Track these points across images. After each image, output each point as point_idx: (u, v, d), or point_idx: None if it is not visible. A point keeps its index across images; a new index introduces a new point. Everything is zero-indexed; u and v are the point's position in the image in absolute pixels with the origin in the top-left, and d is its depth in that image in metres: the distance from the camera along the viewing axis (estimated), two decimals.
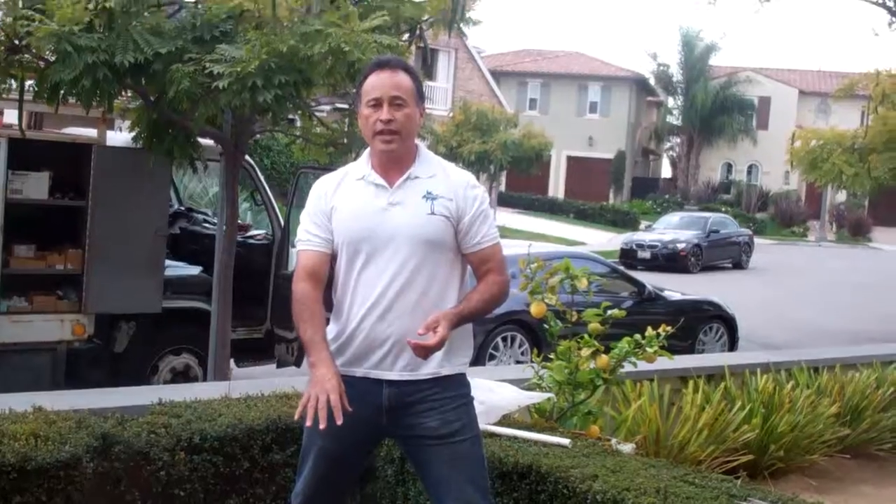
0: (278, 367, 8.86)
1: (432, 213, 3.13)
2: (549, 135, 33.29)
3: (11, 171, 7.36)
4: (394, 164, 3.18)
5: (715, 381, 6.46)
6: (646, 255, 25.86)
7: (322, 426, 2.96)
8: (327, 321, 3.23)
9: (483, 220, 3.20)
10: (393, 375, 3.16)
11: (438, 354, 3.13)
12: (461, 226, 3.16)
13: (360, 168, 3.24)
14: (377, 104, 3.13)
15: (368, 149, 3.25)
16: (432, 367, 3.16)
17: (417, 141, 3.26)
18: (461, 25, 7.63)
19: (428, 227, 3.13)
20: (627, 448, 4.50)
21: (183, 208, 10.43)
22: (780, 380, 6.62)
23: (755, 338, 13.64)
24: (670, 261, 25.47)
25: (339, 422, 2.96)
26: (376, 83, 3.15)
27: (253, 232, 9.70)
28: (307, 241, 3.24)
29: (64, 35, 6.06)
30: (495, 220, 3.28)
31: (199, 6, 6.78)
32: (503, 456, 3.96)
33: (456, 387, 3.21)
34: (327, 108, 8.70)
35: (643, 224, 35.59)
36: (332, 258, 3.25)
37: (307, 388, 3.02)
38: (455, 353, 3.21)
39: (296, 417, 3.09)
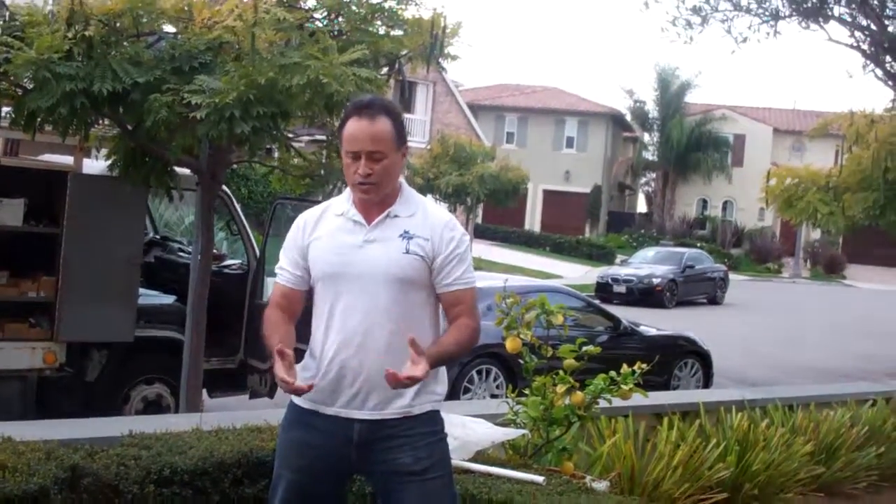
0: (251, 398, 8.80)
1: (407, 252, 3.12)
2: (525, 168, 33.38)
3: None
4: (374, 205, 3.18)
5: (690, 418, 6.45)
6: (621, 289, 25.95)
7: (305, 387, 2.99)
8: (303, 354, 3.22)
9: (458, 263, 3.18)
10: (363, 415, 3.14)
11: (410, 392, 3.12)
12: (435, 265, 3.15)
13: (341, 204, 3.24)
14: (356, 156, 3.12)
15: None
16: (403, 406, 3.14)
17: (402, 180, 3.25)
18: (440, 60, 7.65)
19: (401, 266, 3.12)
20: (602, 486, 4.49)
21: (158, 237, 10.38)
22: (755, 417, 6.61)
23: (730, 374, 13.68)
24: (646, 295, 25.57)
25: (292, 385, 2.97)
26: (355, 133, 3.11)
27: (228, 262, 9.65)
28: (280, 275, 3.28)
29: (42, 63, 6.04)
30: (471, 262, 3.25)
31: (179, 37, 6.77)
32: (476, 493, 3.93)
33: (428, 423, 3.20)
34: (305, 139, 8.70)
35: (619, 258, 35.76)
36: (309, 293, 3.25)
37: None
38: (427, 390, 3.19)
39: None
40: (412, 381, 2.96)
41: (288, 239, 3.29)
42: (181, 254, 9.62)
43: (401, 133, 3.20)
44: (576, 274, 32.08)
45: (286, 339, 3.13)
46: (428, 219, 3.20)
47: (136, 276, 8.05)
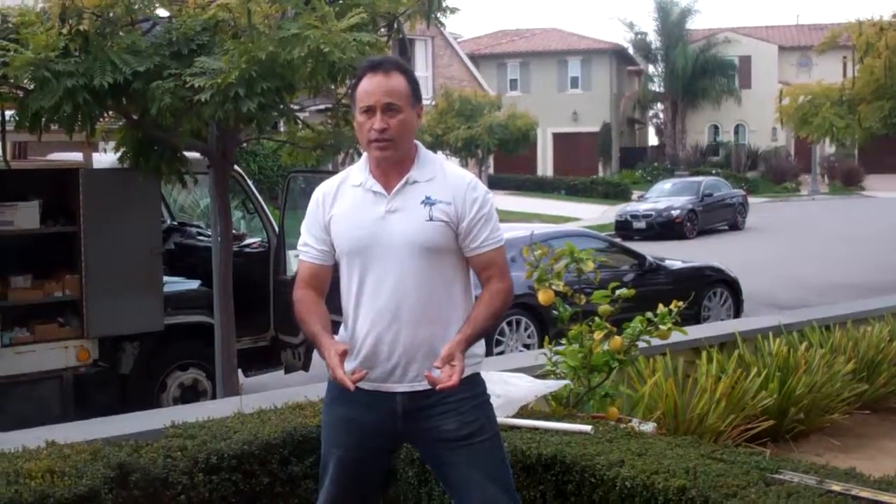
0: (286, 372, 8.82)
1: (430, 220, 3.06)
2: (533, 114, 33.18)
3: (1, 203, 7.30)
4: (392, 169, 3.11)
5: (728, 349, 6.42)
6: (641, 225, 25.83)
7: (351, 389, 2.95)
8: (336, 325, 3.18)
9: (484, 224, 3.11)
10: (403, 387, 3.11)
11: None
12: (461, 229, 3.09)
13: (359, 173, 3.17)
14: (370, 111, 3.05)
15: (366, 154, 3.17)
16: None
17: (417, 141, 3.18)
18: (438, 15, 7.53)
19: (427, 234, 3.06)
20: (649, 427, 4.47)
21: (175, 223, 10.37)
22: (793, 341, 6.58)
23: (760, 299, 13.62)
24: (666, 229, 25.44)
25: (351, 388, 2.94)
26: (369, 88, 3.05)
27: (248, 240, 9.63)
28: (305, 252, 3.22)
29: (41, 62, 5.97)
30: (497, 220, 3.18)
31: (174, 20, 6.68)
32: (525, 449, 3.91)
33: (471, 387, 3.15)
34: (312, 109, 8.60)
35: (636, 194, 35.53)
36: (335, 267, 3.21)
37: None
38: (467, 354, 3.15)
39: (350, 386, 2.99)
40: (457, 383, 2.91)
41: (308, 214, 3.23)
42: (200, 238, 9.61)
43: (416, 91, 3.13)
44: (593, 214, 31.93)
45: (325, 321, 3.10)
46: (448, 181, 3.13)
47: (159, 265, 8.05)
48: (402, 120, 3.05)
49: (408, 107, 3.08)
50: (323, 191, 3.22)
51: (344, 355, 2.99)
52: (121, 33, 6.47)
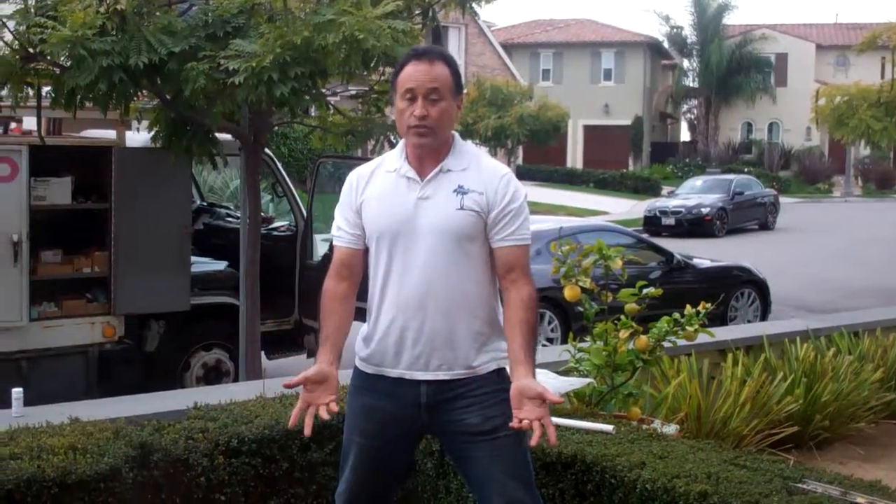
0: (309, 357, 8.84)
1: (461, 208, 3.04)
2: (564, 105, 33.08)
3: (34, 178, 7.35)
4: (427, 156, 3.10)
5: (754, 353, 6.38)
6: (670, 221, 25.65)
7: (306, 433, 3.01)
8: (361, 312, 3.18)
9: (513, 217, 3.07)
10: (428, 376, 3.10)
11: (474, 350, 3.09)
12: (489, 219, 3.07)
13: (394, 160, 3.16)
14: (412, 98, 3.03)
15: (403, 141, 3.16)
16: (469, 365, 3.10)
17: (454, 132, 3.17)
18: (473, 5, 7.51)
19: (457, 222, 3.04)
20: (671, 429, 4.44)
21: (205, 204, 10.41)
22: (821, 347, 6.52)
23: (788, 301, 13.52)
24: (695, 226, 25.26)
25: (307, 433, 3.01)
26: (412, 74, 3.04)
27: (276, 224, 9.66)
28: (339, 236, 3.21)
29: (77, 40, 6.00)
30: (527, 218, 3.14)
31: (211, 2, 6.70)
32: (546, 447, 3.89)
33: (496, 381, 3.14)
34: (347, 93, 8.59)
35: (665, 190, 35.34)
36: (365, 252, 3.20)
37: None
38: (492, 348, 3.15)
39: (290, 424, 3.07)
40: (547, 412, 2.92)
41: (342, 198, 3.22)
42: (229, 219, 9.64)
43: (458, 82, 3.12)
44: (622, 209, 31.76)
45: (342, 323, 3.12)
46: (482, 172, 3.11)
47: (188, 245, 8.08)
48: (443, 108, 3.04)
49: (449, 96, 3.07)
50: (357, 174, 3.22)
51: (310, 382, 3.02)
52: (157, 13, 6.51)
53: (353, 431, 3.22)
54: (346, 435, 3.26)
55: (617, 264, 4.63)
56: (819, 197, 41.11)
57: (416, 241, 3.06)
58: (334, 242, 3.22)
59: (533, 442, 2.89)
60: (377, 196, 3.13)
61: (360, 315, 3.24)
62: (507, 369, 3.23)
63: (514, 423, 2.90)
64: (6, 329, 7.29)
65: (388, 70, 7.29)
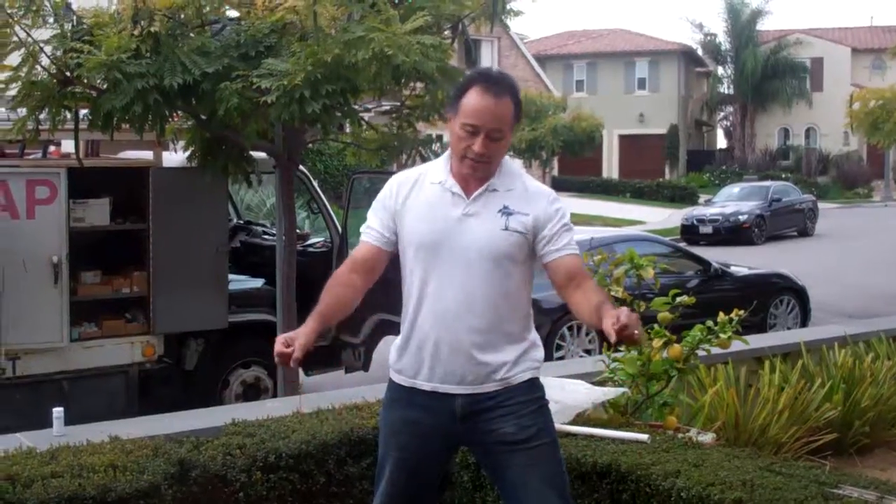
0: (346, 372, 8.87)
1: (506, 229, 3.07)
2: (598, 115, 33.02)
3: (73, 200, 7.47)
4: (475, 178, 3.13)
5: (791, 359, 6.33)
6: (707, 229, 25.48)
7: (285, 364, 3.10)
8: (390, 325, 3.22)
9: (566, 231, 3.13)
10: (462, 389, 3.12)
11: (509, 364, 3.11)
12: (540, 237, 3.10)
13: (438, 172, 3.18)
14: (474, 132, 3.04)
15: (448, 152, 3.18)
16: (502, 376, 3.12)
17: None
18: (503, 18, 7.54)
19: (500, 243, 3.07)
20: (707, 437, 4.42)
21: (241, 222, 10.50)
22: (860, 352, 6.46)
23: (828, 308, 13.37)
24: (733, 234, 25.06)
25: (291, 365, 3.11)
26: (479, 109, 3.03)
27: (312, 240, 9.72)
28: (366, 232, 3.23)
29: (113, 64, 6.10)
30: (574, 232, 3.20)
31: (243, 22, 6.78)
32: (581, 456, 3.90)
33: (530, 391, 3.16)
34: (379, 108, 8.65)
35: (702, 198, 35.11)
36: (388, 256, 3.21)
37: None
38: (526, 357, 3.17)
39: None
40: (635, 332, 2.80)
41: (378, 200, 3.23)
42: (266, 237, 9.71)
43: (518, 114, 3.14)
44: (659, 218, 31.59)
45: (329, 301, 3.15)
46: (529, 194, 3.14)
47: (225, 263, 8.15)
48: (502, 145, 3.09)
49: (510, 132, 3.11)
50: (399, 180, 3.23)
51: (304, 351, 3.07)
52: (191, 35, 6.59)
53: (389, 445, 3.24)
54: (381, 448, 3.28)
55: (649, 273, 4.63)
56: (858, 202, 40.65)
57: (456, 256, 3.07)
58: (362, 238, 3.22)
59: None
60: (420, 205, 3.14)
61: (395, 328, 3.27)
62: (540, 378, 3.25)
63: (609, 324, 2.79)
64: (48, 350, 7.40)
65: (419, 85, 7.36)
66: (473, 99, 3.04)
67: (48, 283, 7.31)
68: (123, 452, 3.89)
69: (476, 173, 3.09)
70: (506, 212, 3.09)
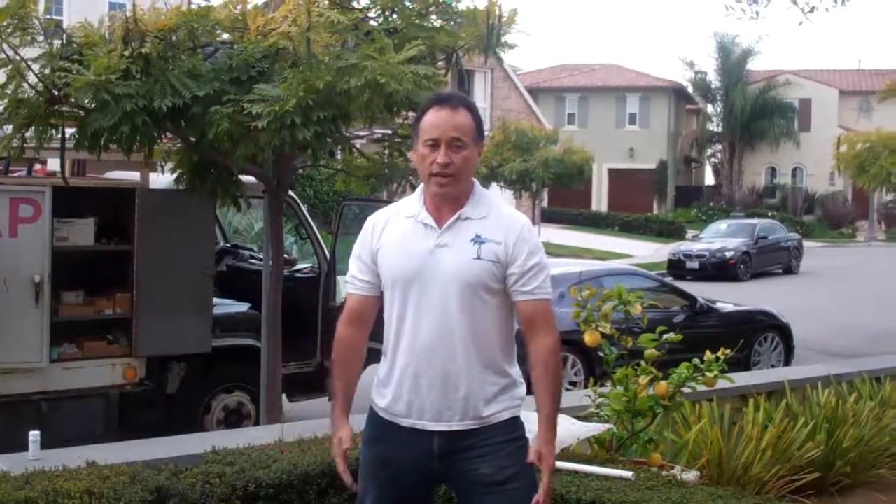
0: (330, 400, 8.78)
1: (478, 258, 3.04)
2: (589, 148, 33.11)
3: (57, 219, 7.40)
4: (445, 204, 3.10)
5: (775, 398, 6.32)
6: (694, 265, 25.57)
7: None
8: (375, 353, 3.19)
9: (538, 272, 3.08)
10: (440, 427, 3.08)
11: (488, 400, 3.08)
12: (511, 271, 3.06)
13: (412, 206, 3.17)
14: (435, 145, 3.05)
15: (421, 185, 3.17)
16: (482, 415, 3.08)
17: (473, 178, 3.17)
18: (497, 50, 7.55)
19: (473, 272, 3.04)
20: (692, 475, 4.40)
21: (228, 245, 10.45)
22: (843, 392, 6.46)
23: (811, 345, 13.40)
24: (720, 270, 25.16)
25: (349, 485, 3.19)
26: (435, 122, 3.06)
27: (299, 266, 9.68)
28: (353, 284, 3.22)
29: (101, 84, 6.07)
30: (549, 271, 3.15)
31: (235, 47, 6.76)
32: (565, 493, 3.87)
33: (509, 430, 3.13)
34: (370, 136, 8.65)
35: (690, 233, 35.23)
36: (379, 300, 3.20)
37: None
38: (506, 395, 3.13)
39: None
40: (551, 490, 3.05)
41: (357, 243, 3.23)
42: (252, 261, 9.67)
43: (479, 128, 3.13)
44: (646, 252, 31.68)
45: (347, 379, 3.22)
46: (502, 221, 3.10)
47: (210, 287, 8.08)
48: (466, 156, 3.06)
49: (472, 143, 3.08)
50: (374, 220, 3.22)
51: (345, 454, 3.15)
52: (182, 57, 6.56)
53: (368, 481, 3.21)
54: (360, 484, 3.24)
55: (637, 309, 4.62)
56: (843, 242, 40.84)
57: (431, 288, 3.05)
58: (348, 290, 3.23)
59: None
60: (393, 242, 3.13)
61: (375, 356, 3.24)
62: (523, 414, 3.22)
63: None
64: (26, 370, 7.31)
65: (412, 114, 7.36)
66: (430, 116, 3.07)
67: (29, 302, 7.23)
68: (100, 478, 3.83)
69: (443, 190, 3.05)
70: (478, 240, 3.05)
